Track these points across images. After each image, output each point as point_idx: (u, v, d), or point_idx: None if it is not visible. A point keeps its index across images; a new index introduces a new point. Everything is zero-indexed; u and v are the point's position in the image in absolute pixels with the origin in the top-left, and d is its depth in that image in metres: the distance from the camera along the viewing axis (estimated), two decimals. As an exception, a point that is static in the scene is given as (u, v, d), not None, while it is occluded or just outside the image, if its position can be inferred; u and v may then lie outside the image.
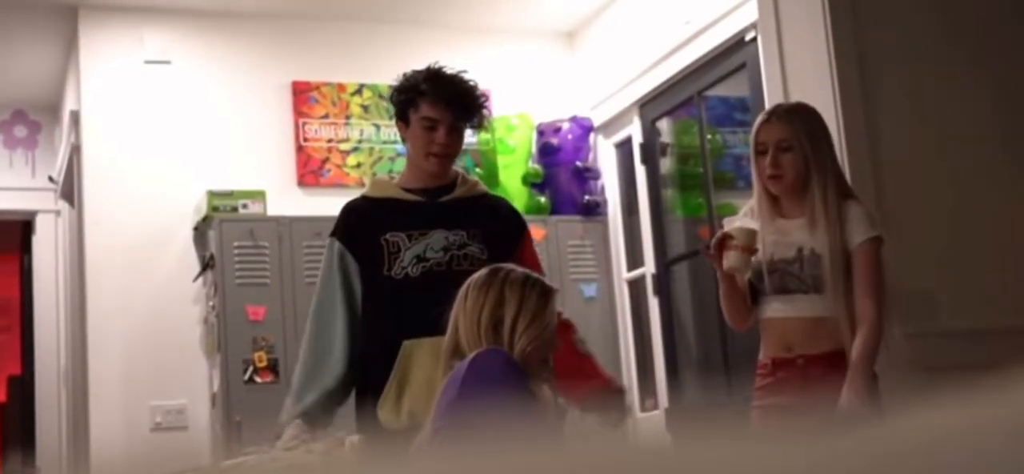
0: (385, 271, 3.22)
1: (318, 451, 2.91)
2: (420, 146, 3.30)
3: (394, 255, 3.23)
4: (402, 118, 3.34)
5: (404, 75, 3.39)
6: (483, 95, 3.42)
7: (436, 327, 2.87)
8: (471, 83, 3.36)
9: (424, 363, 3.07)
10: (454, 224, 3.26)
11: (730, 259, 3.17)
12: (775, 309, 3.23)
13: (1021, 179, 4.40)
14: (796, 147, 3.21)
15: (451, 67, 3.38)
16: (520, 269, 2.81)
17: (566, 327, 3.25)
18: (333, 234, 3.36)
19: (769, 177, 3.24)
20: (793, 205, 3.26)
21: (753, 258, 3.25)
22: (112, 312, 5.76)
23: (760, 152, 3.26)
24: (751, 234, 3.19)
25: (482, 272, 2.79)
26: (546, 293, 2.78)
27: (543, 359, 2.74)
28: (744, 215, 3.38)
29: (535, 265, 3.23)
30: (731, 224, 3.25)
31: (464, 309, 2.74)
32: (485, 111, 3.42)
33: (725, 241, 3.18)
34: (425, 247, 3.22)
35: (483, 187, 3.47)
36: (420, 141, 3.30)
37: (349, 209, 3.41)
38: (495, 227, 3.32)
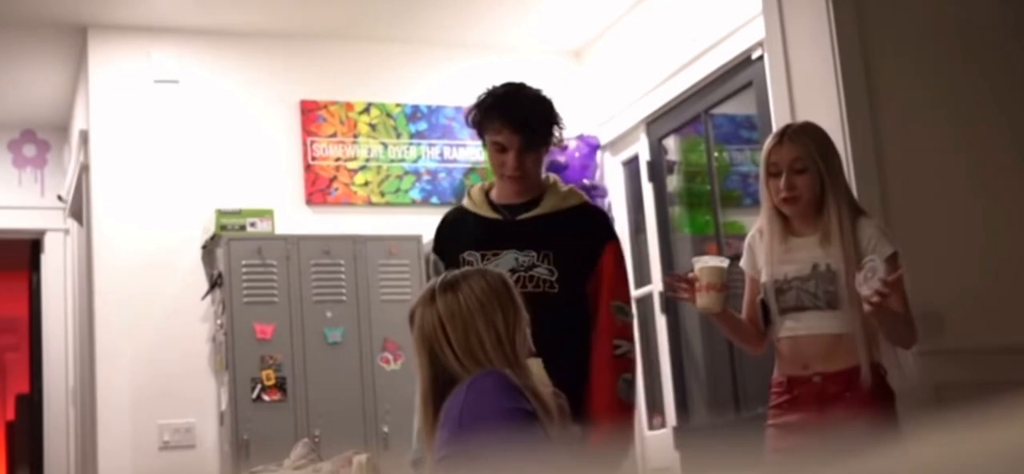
0: None
1: (326, 470, 2.91)
2: (494, 168, 3.29)
3: None
4: (481, 137, 3.32)
5: (480, 94, 3.32)
6: (554, 114, 3.31)
7: None
8: (541, 103, 3.29)
9: None
10: (526, 244, 3.20)
11: (701, 300, 3.16)
12: (789, 328, 3.21)
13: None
14: (811, 168, 3.19)
15: (525, 84, 3.32)
16: (465, 276, 2.68)
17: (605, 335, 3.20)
18: (433, 246, 3.39)
19: (784, 199, 3.21)
20: (804, 224, 3.24)
21: (762, 279, 3.24)
22: (120, 330, 5.77)
23: (772, 174, 3.24)
24: (719, 272, 3.16)
25: (427, 291, 2.68)
26: (502, 287, 2.68)
27: (529, 352, 2.70)
28: (753, 235, 3.38)
29: (607, 282, 3.19)
30: (698, 263, 3.20)
31: (437, 338, 2.64)
32: (557, 130, 3.32)
33: (692, 284, 3.17)
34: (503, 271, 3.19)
35: (577, 198, 3.35)
36: (493, 163, 3.29)
37: (441, 223, 3.41)
38: (570, 245, 3.22)
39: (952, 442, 0.69)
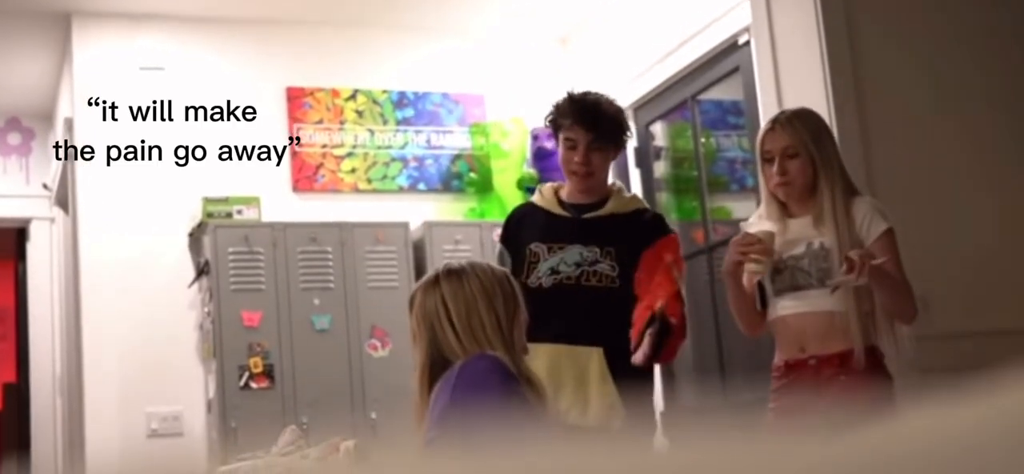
0: (524, 278, 3.40)
1: (313, 456, 2.92)
2: (564, 164, 3.54)
3: (533, 264, 3.45)
4: (555, 139, 3.59)
5: (557, 101, 3.59)
6: (622, 119, 3.58)
7: (557, 335, 3.24)
8: (611, 106, 3.55)
9: (535, 365, 3.11)
10: (591, 240, 3.45)
11: (753, 265, 3.19)
12: (786, 306, 3.25)
13: (1014, 182, 4.42)
14: (802, 153, 3.25)
15: (596, 92, 3.58)
16: (472, 266, 2.83)
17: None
18: (501, 237, 3.64)
19: (777, 184, 3.27)
20: (801, 207, 3.30)
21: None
22: (107, 319, 5.76)
23: (767, 160, 3.30)
24: (771, 236, 3.22)
25: (430, 276, 2.81)
26: (505, 281, 2.80)
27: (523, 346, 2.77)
28: (750, 220, 3.41)
29: (663, 255, 3.38)
30: (751, 227, 3.29)
31: (438, 318, 2.73)
32: (625, 135, 3.57)
33: (746, 243, 3.20)
34: (560, 260, 3.41)
35: (638, 204, 3.64)
36: (563, 160, 3.54)
37: (510, 215, 3.71)
38: (633, 243, 3.45)
39: (947, 414, 0.70)
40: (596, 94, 3.57)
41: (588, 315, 3.21)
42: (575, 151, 3.49)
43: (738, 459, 0.67)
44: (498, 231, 3.73)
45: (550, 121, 3.57)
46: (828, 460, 0.66)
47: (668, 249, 3.47)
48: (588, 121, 3.48)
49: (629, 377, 3.25)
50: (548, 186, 3.68)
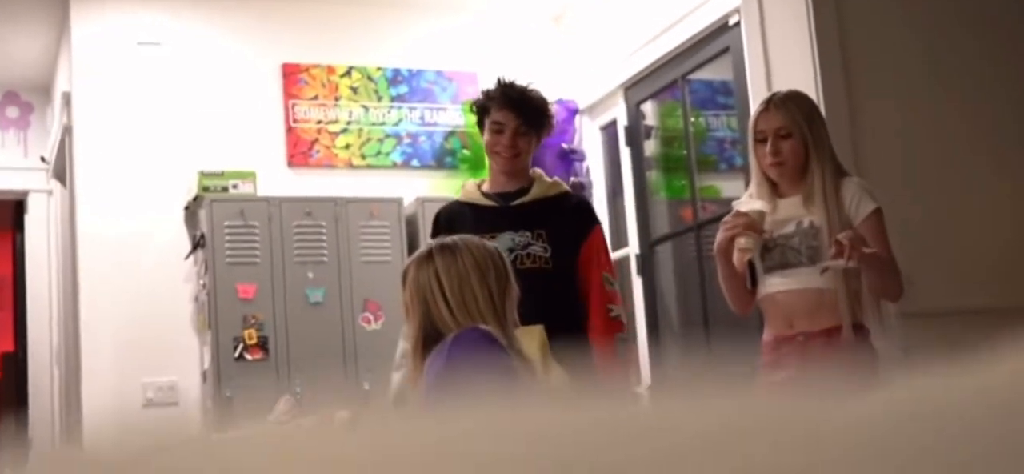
0: None
1: (308, 426, 2.99)
2: (490, 150, 3.69)
3: None
4: (481, 127, 3.73)
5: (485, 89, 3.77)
6: (547, 108, 3.72)
7: None
8: (538, 96, 3.71)
9: None
10: (521, 226, 3.59)
11: (744, 242, 3.26)
12: (775, 284, 3.31)
13: (1001, 161, 4.49)
14: (795, 133, 3.31)
15: (521, 81, 3.73)
16: (464, 241, 2.92)
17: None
18: (432, 237, 3.69)
19: (771, 164, 3.33)
20: (791, 186, 3.36)
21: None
22: (104, 290, 5.83)
23: (760, 140, 3.36)
24: (762, 215, 3.29)
25: (423, 251, 2.89)
26: (497, 256, 2.87)
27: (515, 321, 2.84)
28: (742, 199, 3.47)
29: (596, 259, 3.59)
30: (742, 205, 3.35)
31: (432, 291, 2.79)
32: (549, 123, 3.73)
33: (738, 220, 3.27)
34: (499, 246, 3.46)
35: (562, 187, 3.78)
36: (490, 145, 3.68)
37: (437, 215, 3.79)
38: (561, 225, 3.61)
39: (932, 386, 0.72)
40: (523, 84, 3.71)
41: (525, 296, 3.17)
42: (502, 135, 3.63)
43: (728, 415, 0.69)
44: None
45: (478, 107, 3.72)
46: (815, 422, 0.67)
47: (599, 249, 3.63)
48: (516, 105, 3.63)
49: (571, 351, 3.38)
50: (469, 183, 3.86)
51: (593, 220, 3.73)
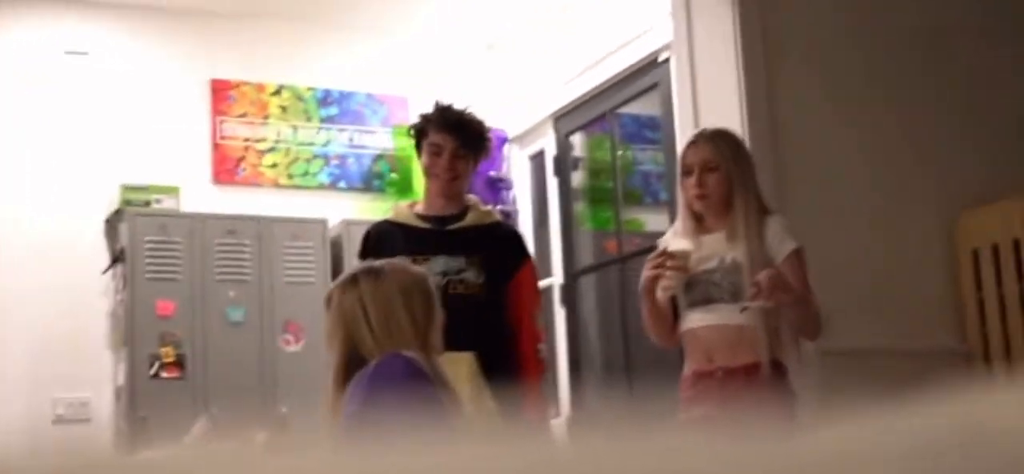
0: None
1: (227, 449, 2.94)
2: (427, 172, 3.67)
3: None
4: (418, 149, 3.69)
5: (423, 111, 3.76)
6: (485, 131, 3.73)
7: None
8: (474, 118, 3.71)
9: None
10: (455, 251, 3.56)
11: (668, 278, 3.28)
12: (697, 319, 3.33)
13: (924, 204, 4.57)
14: (721, 168, 3.34)
15: (459, 105, 3.72)
16: (390, 265, 2.90)
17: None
18: (360, 256, 3.66)
19: (695, 195, 3.36)
20: (716, 222, 3.38)
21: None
22: (17, 301, 5.71)
23: (686, 173, 3.39)
24: (687, 255, 3.30)
25: (348, 275, 2.86)
26: (423, 281, 2.84)
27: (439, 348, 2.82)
28: (667, 236, 3.49)
29: (527, 294, 3.62)
30: (667, 244, 3.36)
31: (355, 316, 2.76)
32: (486, 146, 3.73)
33: (664, 258, 3.28)
34: (426, 271, 3.40)
35: (496, 217, 3.81)
36: (427, 167, 3.66)
37: (368, 233, 3.74)
38: (495, 254, 3.60)
39: (847, 434, 0.71)
40: (461, 108, 3.71)
41: (456, 322, 3.16)
42: (440, 157, 3.62)
43: (644, 453, 0.69)
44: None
45: (416, 130, 3.70)
46: (732, 460, 0.67)
47: (529, 284, 3.67)
48: (454, 128, 3.63)
49: (500, 381, 3.39)
50: (403, 204, 3.83)
51: (524, 253, 3.74)
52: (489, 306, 3.54)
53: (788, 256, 3.28)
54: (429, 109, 3.72)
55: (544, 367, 3.68)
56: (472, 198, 3.77)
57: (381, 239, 3.65)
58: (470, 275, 3.53)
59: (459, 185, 3.67)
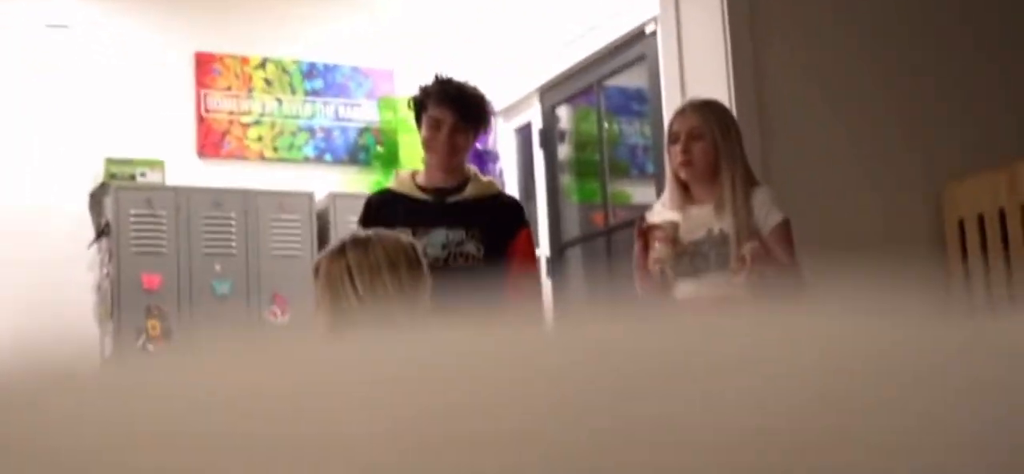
0: None
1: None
2: (427, 145, 3.66)
3: None
4: (418, 122, 3.68)
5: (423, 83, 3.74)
6: (486, 104, 3.73)
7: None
8: (475, 91, 3.70)
9: None
10: (456, 223, 3.57)
11: (658, 251, 3.28)
12: (686, 290, 3.34)
13: (913, 177, 4.58)
14: (707, 136, 3.36)
15: (459, 77, 3.73)
16: (378, 234, 2.91)
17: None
18: (360, 223, 3.66)
19: (680, 164, 3.36)
20: (703, 193, 3.39)
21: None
22: (1, 275, 5.69)
23: (673, 141, 3.40)
24: (675, 226, 3.31)
25: (336, 245, 2.87)
26: (410, 249, 2.86)
27: None
28: (659, 207, 3.50)
29: (522, 259, 3.62)
30: (653, 217, 3.37)
31: (343, 284, 2.77)
32: (488, 119, 3.75)
33: (651, 232, 3.29)
34: (426, 243, 3.44)
35: (496, 188, 3.84)
36: (427, 141, 3.65)
37: (368, 202, 3.76)
38: (493, 225, 3.61)
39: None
40: (461, 80, 3.70)
41: (458, 294, 3.25)
42: (440, 131, 3.60)
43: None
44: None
45: (415, 102, 3.69)
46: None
47: (523, 250, 3.67)
48: (453, 102, 3.62)
49: None
50: (404, 173, 3.84)
51: (520, 221, 3.74)
52: (490, 276, 3.54)
53: (775, 228, 3.29)
54: (428, 81, 3.71)
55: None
56: (472, 169, 3.77)
57: (382, 209, 3.65)
58: (470, 247, 3.55)
59: (458, 158, 3.66)
